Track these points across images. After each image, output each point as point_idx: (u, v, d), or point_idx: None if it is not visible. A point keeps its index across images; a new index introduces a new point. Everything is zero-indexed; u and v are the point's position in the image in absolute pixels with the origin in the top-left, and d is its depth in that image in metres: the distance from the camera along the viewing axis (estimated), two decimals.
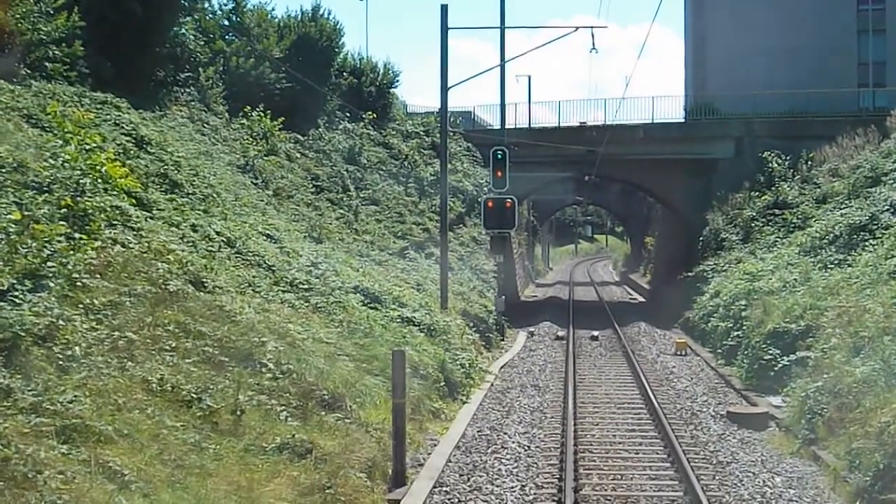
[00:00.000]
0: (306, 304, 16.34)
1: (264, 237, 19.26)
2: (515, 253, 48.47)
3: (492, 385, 18.44)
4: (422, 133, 37.11)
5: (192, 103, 26.88)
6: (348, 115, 34.16)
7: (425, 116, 40.04)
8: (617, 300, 47.72)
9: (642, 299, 47.90)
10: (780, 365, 16.79)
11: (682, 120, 39.21)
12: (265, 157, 26.52)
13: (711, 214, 32.99)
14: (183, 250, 14.34)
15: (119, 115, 19.14)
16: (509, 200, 25.15)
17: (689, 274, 30.25)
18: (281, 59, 30.83)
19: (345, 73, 35.64)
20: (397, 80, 38.18)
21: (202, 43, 28.30)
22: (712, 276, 28.12)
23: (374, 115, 34.68)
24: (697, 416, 15.46)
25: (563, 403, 16.25)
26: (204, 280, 13.50)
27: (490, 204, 25.54)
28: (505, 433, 13.96)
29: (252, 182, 24.44)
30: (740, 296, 22.38)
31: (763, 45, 42.88)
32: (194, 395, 9.98)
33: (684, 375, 19.96)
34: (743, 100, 36.64)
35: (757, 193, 31.52)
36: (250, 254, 17.13)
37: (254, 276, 16.02)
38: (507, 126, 34.26)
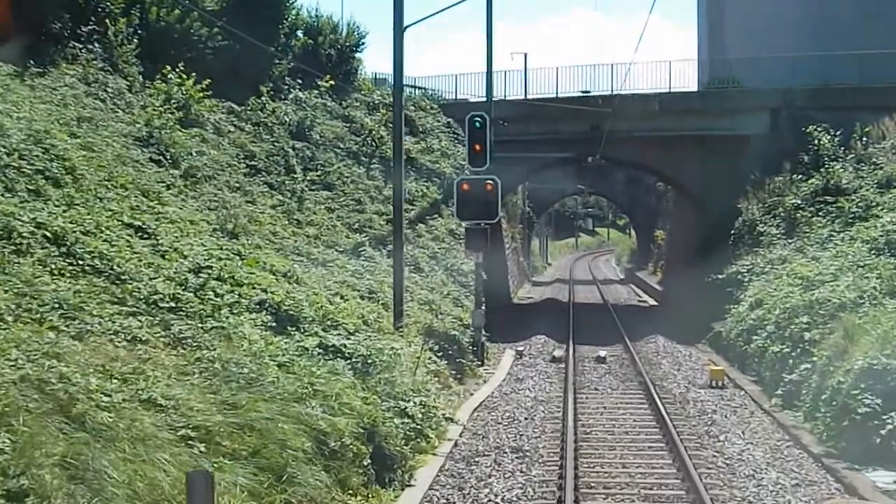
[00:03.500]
0: (164, 334, 10.65)
1: (131, 230, 13.54)
2: (508, 248, 42.77)
3: (454, 447, 12.65)
4: (391, 105, 31.02)
5: (94, 62, 21.25)
6: (300, 81, 28.26)
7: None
8: (624, 303, 41.82)
9: (654, 302, 42.01)
10: (889, 426, 11.12)
11: (703, 90, 33.35)
12: (179, 129, 20.75)
13: (744, 202, 27.06)
14: None
15: None
16: (490, 182, 19.25)
17: (720, 276, 24.34)
18: (215, 13, 25.09)
19: (298, 33, 29.76)
20: (363, 43, 32.18)
21: None
22: (749, 280, 22.41)
23: (333, 82, 28.71)
24: None
25: (558, 491, 10.47)
26: None
27: (465, 187, 19.63)
28: None
29: (152, 159, 18.69)
30: (799, 310, 16.70)
31: (790, 11, 36.90)
32: None
33: (731, 427, 14.13)
34: (776, 63, 30.53)
35: (801, 176, 25.63)
36: (89, 255, 11.50)
37: (76, 292, 10.31)
38: (497, 98, 28.56)
